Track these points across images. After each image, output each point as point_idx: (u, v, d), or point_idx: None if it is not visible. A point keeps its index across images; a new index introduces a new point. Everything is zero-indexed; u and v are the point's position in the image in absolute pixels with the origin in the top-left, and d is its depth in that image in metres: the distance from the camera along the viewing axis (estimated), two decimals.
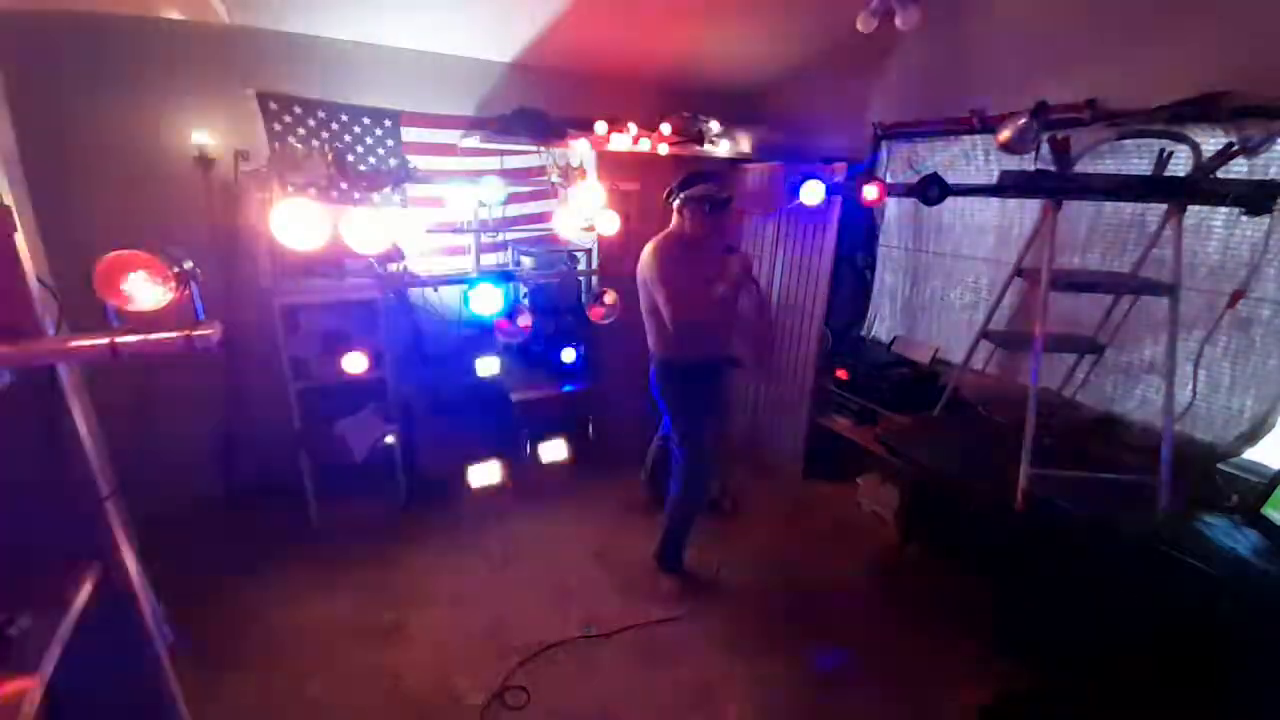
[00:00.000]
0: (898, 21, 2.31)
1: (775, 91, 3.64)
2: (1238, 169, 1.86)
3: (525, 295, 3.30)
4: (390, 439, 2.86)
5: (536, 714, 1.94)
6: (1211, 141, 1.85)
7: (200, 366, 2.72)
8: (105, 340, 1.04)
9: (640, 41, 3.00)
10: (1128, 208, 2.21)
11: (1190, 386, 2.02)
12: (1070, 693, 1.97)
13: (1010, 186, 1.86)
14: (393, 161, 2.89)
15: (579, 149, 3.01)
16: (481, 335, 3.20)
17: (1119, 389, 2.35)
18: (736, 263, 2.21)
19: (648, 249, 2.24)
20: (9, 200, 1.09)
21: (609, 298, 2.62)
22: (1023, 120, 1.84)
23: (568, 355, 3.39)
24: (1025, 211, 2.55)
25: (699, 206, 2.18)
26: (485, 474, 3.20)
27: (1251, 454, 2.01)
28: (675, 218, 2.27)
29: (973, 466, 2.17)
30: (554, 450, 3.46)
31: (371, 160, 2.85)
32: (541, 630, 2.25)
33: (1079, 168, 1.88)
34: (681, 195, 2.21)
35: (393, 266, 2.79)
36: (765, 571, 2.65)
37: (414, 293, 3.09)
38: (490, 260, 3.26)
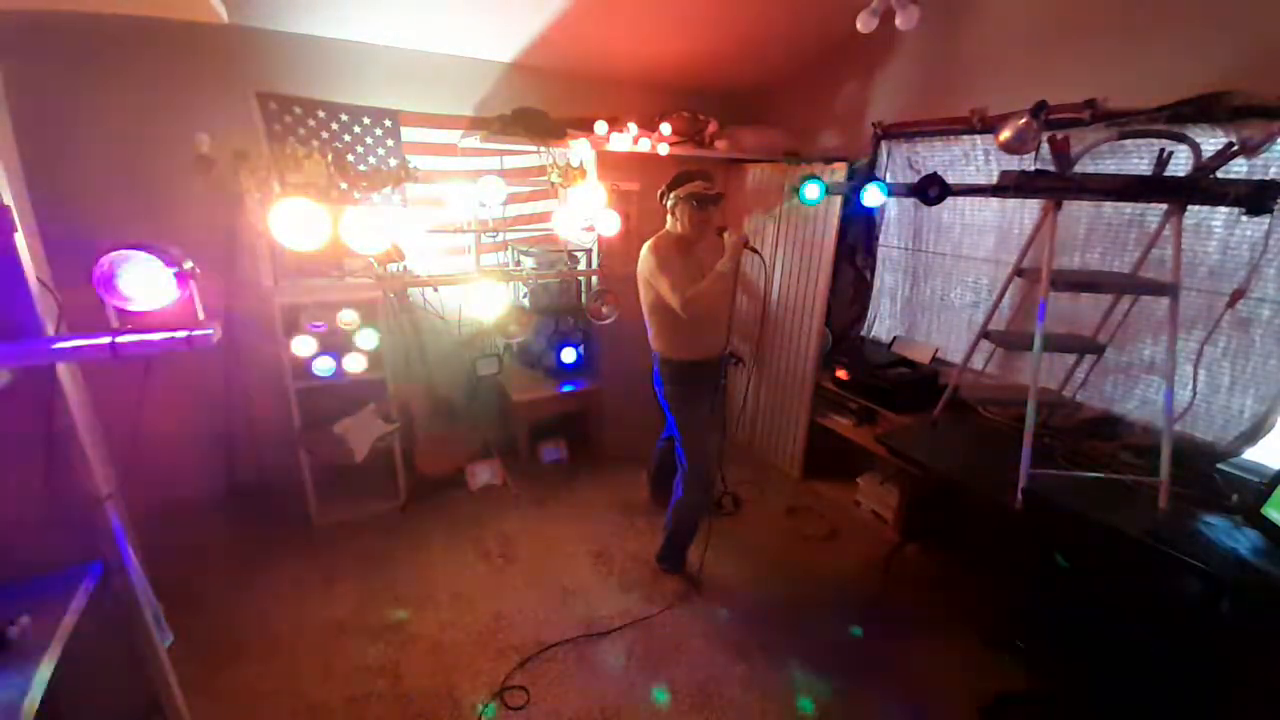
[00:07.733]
0: (898, 21, 2.31)
1: (775, 91, 3.64)
2: (1238, 169, 1.86)
3: (525, 295, 3.31)
4: (390, 439, 2.85)
5: (536, 714, 1.94)
6: (1211, 141, 1.85)
7: (200, 366, 2.72)
8: (105, 340, 1.04)
9: (640, 41, 3.00)
10: (1128, 208, 2.20)
11: (1190, 386, 2.02)
12: (1069, 693, 1.97)
13: (1010, 186, 1.86)
14: (393, 161, 2.89)
15: (579, 149, 3.01)
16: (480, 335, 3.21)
17: (1119, 389, 2.35)
18: (733, 236, 2.19)
19: (646, 248, 2.25)
20: (9, 200, 1.09)
21: (609, 298, 2.62)
22: (1023, 120, 1.84)
23: (568, 355, 3.39)
24: (1025, 211, 2.55)
25: (688, 204, 2.19)
26: (485, 474, 3.21)
27: (1251, 454, 2.00)
28: (669, 218, 2.28)
29: (973, 466, 2.17)
30: (554, 450, 3.46)
31: (371, 160, 2.86)
32: (541, 630, 2.26)
33: (1079, 168, 1.88)
34: (672, 195, 2.22)
35: (393, 266, 2.79)
36: (765, 571, 2.65)
37: (414, 293, 3.09)
38: (490, 260, 3.27)
